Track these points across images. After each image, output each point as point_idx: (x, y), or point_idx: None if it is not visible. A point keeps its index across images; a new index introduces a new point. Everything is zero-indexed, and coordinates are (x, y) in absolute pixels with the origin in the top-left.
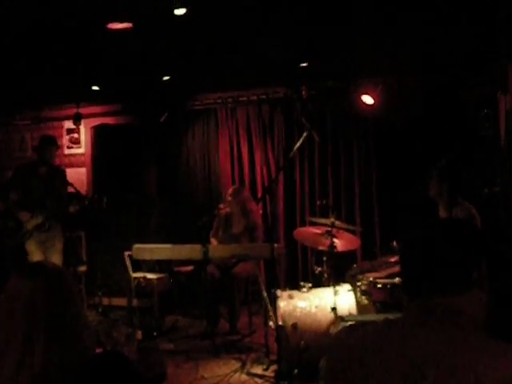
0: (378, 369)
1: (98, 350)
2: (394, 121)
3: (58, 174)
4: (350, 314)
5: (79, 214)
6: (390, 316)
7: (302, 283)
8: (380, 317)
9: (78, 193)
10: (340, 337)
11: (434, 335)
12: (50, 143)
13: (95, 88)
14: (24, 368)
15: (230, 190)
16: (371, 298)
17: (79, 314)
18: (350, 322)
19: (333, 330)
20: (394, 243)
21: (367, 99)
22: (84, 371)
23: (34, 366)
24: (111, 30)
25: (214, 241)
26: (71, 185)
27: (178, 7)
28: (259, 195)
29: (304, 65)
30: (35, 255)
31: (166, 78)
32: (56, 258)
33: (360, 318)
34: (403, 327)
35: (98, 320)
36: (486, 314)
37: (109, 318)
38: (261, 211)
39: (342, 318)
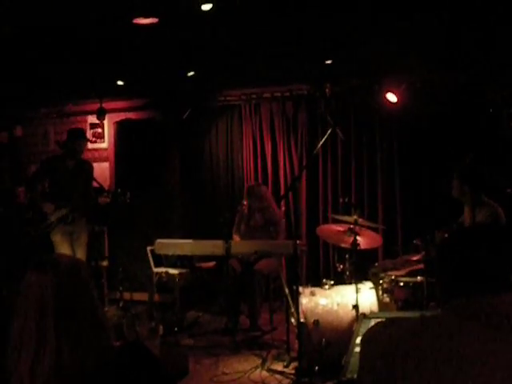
0: (415, 366)
1: (123, 343)
2: (418, 119)
3: (85, 168)
4: (372, 312)
5: (108, 206)
6: (424, 313)
7: (324, 280)
8: (402, 314)
9: (101, 187)
10: (375, 332)
11: (472, 334)
12: (80, 136)
13: (120, 83)
14: (38, 367)
15: (247, 188)
16: (393, 296)
17: (95, 310)
18: (373, 320)
19: (356, 328)
20: (416, 241)
21: (391, 97)
22: (105, 366)
23: (44, 365)
24: (137, 24)
25: (236, 237)
26: (94, 179)
27: (204, 2)
28: (282, 192)
29: (328, 62)
30: (61, 246)
31: (190, 73)
32: (81, 251)
33: (383, 315)
34: (441, 325)
35: (119, 315)
36: None
37: (130, 313)
38: (284, 208)
39: (364, 315)
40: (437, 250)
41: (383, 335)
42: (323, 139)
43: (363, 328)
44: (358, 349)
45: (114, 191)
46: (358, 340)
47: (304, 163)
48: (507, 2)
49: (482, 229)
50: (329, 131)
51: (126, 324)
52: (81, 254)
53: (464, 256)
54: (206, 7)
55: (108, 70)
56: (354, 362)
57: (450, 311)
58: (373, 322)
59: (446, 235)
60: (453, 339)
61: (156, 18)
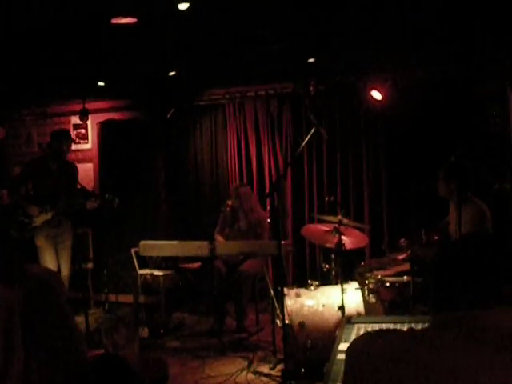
0: (402, 380)
1: (99, 352)
2: (403, 117)
3: (69, 170)
4: (358, 316)
5: (95, 210)
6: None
7: (309, 281)
8: (388, 319)
9: (83, 189)
10: (362, 344)
11: (460, 349)
12: (65, 137)
13: (101, 83)
14: (6, 379)
15: (230, 189)
16: (379, 296)
17: (65, 323)
18: (356, 325)
19: (338, 333)
20: (402, 241)
21: (376, 95)
22: (78, 377)
23: (12, 376)
24: (115, 24)
25: (219, 238)
26: (78, 182)
27: (181, 2)
28: (267, 191)
29: (312, 60)
30: (45, 250)
31: (171, 73)
32: (65, 254)
33: (367, 319)
34: (429, 339)
35: (104, 317)
36: None
37: (115, 315)
38: (269, 207)
39: (348, 320)
40: (430, 262)
41: (370, 348)
42: (306, 139)
43: (346, 334)
44: (340, 356)
45: (102, 196)
46: (341, 346)
47: (288, 162)
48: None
49: (474, 241)
50: (312, 131)
51: (105, 330)
52: (65, 257)
53: (455, 269)
54: (183, 7)
55: (90, 71)
56: (336, 369)
57: (441, 324)
58: (356, 328)
59: (439, 248)
60: (442, 354)
61: (135, 17)
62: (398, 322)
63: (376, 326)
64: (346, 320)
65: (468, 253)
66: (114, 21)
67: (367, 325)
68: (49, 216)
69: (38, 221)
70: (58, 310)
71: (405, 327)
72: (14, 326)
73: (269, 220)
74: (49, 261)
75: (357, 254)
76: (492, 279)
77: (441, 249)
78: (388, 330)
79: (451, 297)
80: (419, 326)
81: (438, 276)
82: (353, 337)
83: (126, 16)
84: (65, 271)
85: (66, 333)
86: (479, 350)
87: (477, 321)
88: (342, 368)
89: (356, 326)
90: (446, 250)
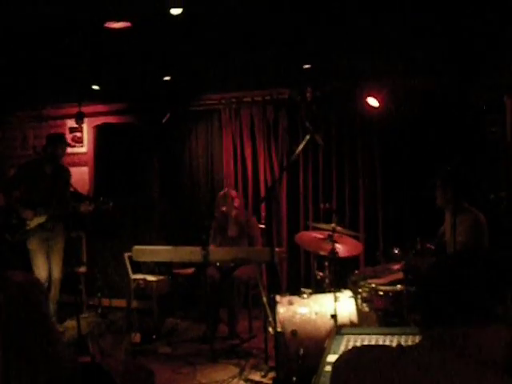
0: None
1: (86, 360)
2: (400, 124)
3: (63, 174)
4: (350, 325)
5: (89, 214)
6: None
7: (302, 289)
8: (378, 331)
9: (76, 192)
10: (347, 359)
11: (449, 368)
12: (61, 141)
13: (95, 87)
14: None
15: (219, 196)
16: (372, 305)
17: (47, 332)
18: (345, 336)
19: (327, 344)
20: (397, 250)
21: (372, 102)
22: None
23: None
24: (109, 29)
25: (212, 247)
26: (71, 185)
27: (174, 7)
28: (262, 197)
29: (308, 66)
30: (37, 253)
31: (166, 78)
32: (57, 258)
33: (357, 331)
34: (418, 356)
35: (97, 322)
36: (506, 351)
37: (107, 320)
38: (263, 213)
39: (338, 330)
40: (423, 278)
41: (357, 364)
42: (301, 146)
43: (335, 345)
44: (328, 367)
45: (96, 199)
46: (329, 358)
47: (283, 168)
48: (490, 6)
49: (468, 258)
50: (307, 137)
51: (91, 337)
52: (56, 261)
53: (448, 286)
54: (176, 12)
55: (86, 74)
56: (323, 382)
57: (431, 341)
58: (345, 339)
59: (432, 263)
60: (430, 373)
61: (129, 22)
62: (389, 334)
63: (366, 338)
64: (336, 331)
65: (462, 270)
66: (108, 25)
67: (357, 336)
68: (43, 219)
69: (32, 224)
70: (39, 319)
71: (395, 339)
72: None
73: (263, 226)
74: (40, 264)
75: (351, 262)
76: (485, 298)
77: (435, 263)
78: (375, 346)
79: (443, 313)
80: (410, 339)
81: (430, 292)
82: (342, 348)
83: (120, 20)
84: (56, 274)
85: (48, 343)
86: (468, 370)
87: (468, 339)
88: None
89: (346, 337)
90: (440, 266)
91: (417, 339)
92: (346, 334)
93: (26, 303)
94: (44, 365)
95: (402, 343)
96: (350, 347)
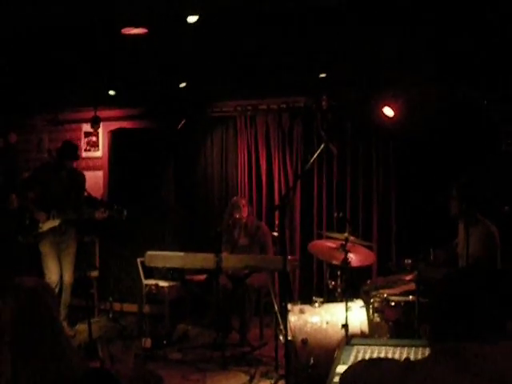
0: None
1: (95, 365)
2: (416, 134)
3: (77, 178)
4: (360, 335)
5: (105, 221)
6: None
7: (314, 298)
8: (388, 342)
9: (90, 197)
10: (355, 373)
11: (458, 382)
12: (73, 156)
13: (111, 93)
14: None
15: (231, 203)
16: (384, 315)
17: (57, 337)
18: (355, 346)
19: (337, 354)
20: (409, 260)
21: (388, 111)
22: None
23: None
24: (125, 34)
25: (225, 253)
26: (85, 190)
27: (190, 14)
28: (276, 205)
29: (323, 75)
30: (49, 256)
31: (182, 84)
32: (68, 261)
33: (367, 342)
34: (426, 371)
35: (108, 326)
36: None
37: (119, 324)
38: (277, 221)
39: (347, 341)
40: (434, 291)
41: (365, 377)
42: (315, 155)
43: (345, 355)
44: (337, 378)
45: (110, 207)
46: (339, 369)
47: (298, 177)
48: (506, 16)
49: (478, 273)
50: (322, 146)
51: (101, 342)
52: (68, 264)
53: (458, 301)
54: (192, 19)
55: (103, 79)
56: None
57: (438, 355)
58: (355, 350)
59: (444, 277)
60: None
61: (146, 28)
62: (399, 346)
63: (376, 349)
64: (346, 342)
65: (473, 286)
66: (125, 31)
67: (367, 347)
68: (56, 223)
69: (45, 227)
70: (50, 324)
71: (405, 351)
72: (1, 340)
73: (276, 234)
74: (52, 267)
75: (363, 271)
76: (496, 314)
77: (446, 276)
78: (383, 359)
79: (452, 328)
80: (420, 351)
81: (441, 305)
82: (351, 359)
83: (137, 26)
84: (67, 278)
85: (57, 348)
86: None
87: (477, 355)
88: None
89: (355, 347)
90: (452, 280)
91: (427, 351)
92: (356, 345)
93: (37, 309)
94: (53, 369)
95: (412, 356)
96: (359, 358)
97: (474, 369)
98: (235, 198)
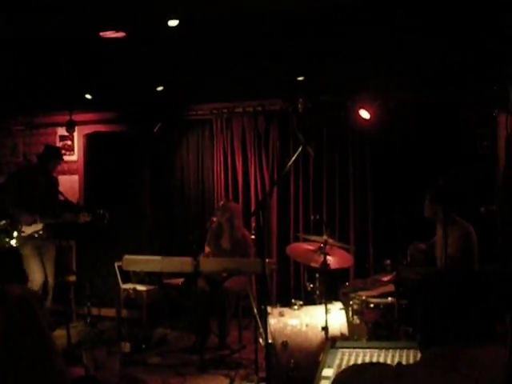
0: None
1: (78, 371)
2: (391, 137)
3: (53, 183)
4: (341, 337)
5: (85, 225)
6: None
7: (293, 300)
8: (372, 344)
9: (67, 201)
10: (347, 378)
11: None
12: (57, 157)
13: (88, 96)
14: None
15: (219, 206)
16: (363, 317)
17: (45, 343)
18: (340, 350)
19: (322, 358)
20: (387, 262)
21: (364, 114)
22: None
23: None
24: (104, 38)
25: (207, 249)
26: (61, 194)
27: (171, 18)
28: (253, 208)
29: (300, 78)
30: (32, 259)
31: (159, 88)
32: (50, 265)
33: (352, 344)
34: (417, 377)
35: (85, 331)
36: (505, 370)
37: (97, 329)
38: (254, 225)
39: (332, 344)
40: (413, 294)
41: (357, 383)
42: (293, 157)
43: (330, 358)
44: (323, 382)
45: (94, 211)
46: (325, 372)
47: (275, 179)
48: (482, 20)
49: (462, 277)
50: (299, 149)
51: (85, 348)
52: (50, 268)
53: (444, 306)
54: (173, 23)
55: (78, 83)
56: None
57: (429, 360)
58: (340, 353)
59: (424, 280)
60: None
61: (124, 32)
62: (384, 348)
63: (361, 352)
64: (330, 344)
65: (457, 290)
66: (103, 34)
67: (352, 350)
68: (39, 227)
69: (28, 231)
70: (38, 332)
71: (390, 354)
72: None
73: (253, 237)
74: (36, 269)
75: (340, 273)
76: (483, 317)
77: (428, 278)
78: (376, 364)
79: (440, 334)
80: (405, 353)
81: (426, 311)
82: (337, 362)
83: (115, 30)
84: (51, 280)
85: (45, 355)
86: None
87: (467, 359)
88: None
89: (340, 351)
90: (435, 285)
91: (411, 353)
92: (341, 348)
93: (25, 317)
94: (42, 376)
95: (396, 358)
96: (344, 361)
97: (463, 372)
98: (224, 201)
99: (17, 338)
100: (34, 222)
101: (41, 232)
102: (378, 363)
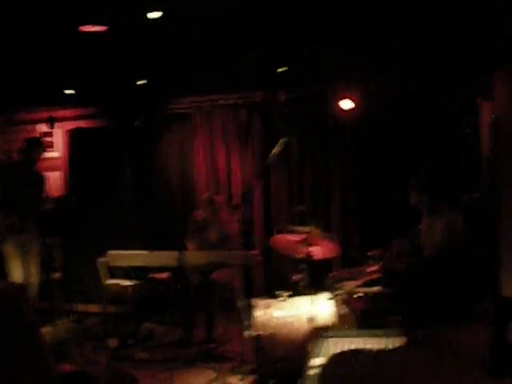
0: None
1: (68, 368)
2: (374, 126)
3: (38, 180)
4: (329, 327)
5: (52, 212)
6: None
7: (279, 292)
8: (361, 333)
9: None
10: (333, 366)
11: (432, 369)
12: (38, 145)
13: (68, 92)
14: None
15: (203, 198)
16: (350, 307)
17: (32, 339)
18: (329, 339)
19: (310, 348)
20: (373, 252)
21: (346, 104)
22: None
23: None
24: (85, 32)
25: (190, 246)
26: (45, 191)
27: (152, 10)
28: (235, 201)
29: (282, 69)
30: (13, 257)
31: (141, 81)
32: (34, 263)
33: (340, 334)
34: (400, 359)
35: (72, 327)
36: (488, 349)
37: (83, 325)
38: (237, 217)
39: (320, 334)
40: (400, 281)
41: (343, 370)
42: (277, 149)
43: (318, 348)
44: (312, 371)
45: (57, 199)
46: (313, 362)
47: (258, 172)
48: (461, 12)
49: (445, 259)
50: (281, 140)
51: (73, 343)
52: (33, 265)
53: (427, 288)
54: (154, 15)
55: (57, 79)
56: None
57: (413, 343)
58: (328, 342)
59: (409, 266)
60: (414, 375)
61: (104, 25)
62: (372, 336)
63: (348, 341)
64: (319, 334)
65: (439, 272)
66: (84, 28)
67: (340, 339)
68: (11, 221)
69: (2, 226)
70: (25, 327)
71: (378, 341)
72: None
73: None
74: (15, 268)
75: (324, 264)
76: (464, 297)
77: (412, 265)
78: (361, 351)
79: (424, 315)
80: (393, 341)
81: (408, 294)
82: (325, 351)
83: (93, 23)
84: (33, 279)
85: (34, 350)
86: (452, 370)
87: (450, 340)
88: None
89: (328, 340)
90: (417, 268)
91: (400, 340)
92: (329, 337)
93: (10, 311)
94: (31, 371)
95: (386, 345)
96: (333, 350)
97: (447, 353)
98: (208, 194)
99: (4, 333)
100: (6, 218)
101: (12, 226)
102: (362, 349)
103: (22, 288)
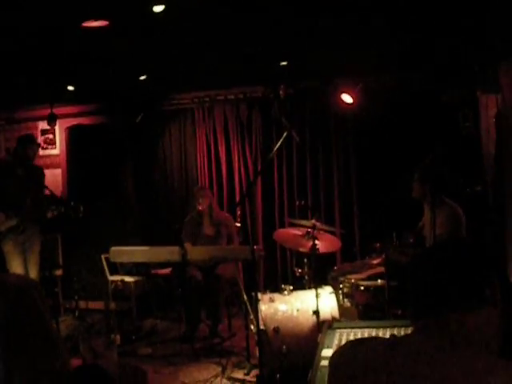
0: None
1: (78, 363)
2: (374, 120)
3: (35, 175)
4: (337, 320)
5: (56, 218)
6: (393, 331)
7: (283, 286)
8: (369, 324)
9: (53, 195)
10: (344, 354)
11: (444, 355)
12: (31, 142)
13: (70, 88)
14: None
15: (195, 191)
16: (354, 300)
17: (48, 333)
18: (338, 330)
19: (320, 339)
20: (376, 245)
21: (346, 98)
22: None
23: None
24: (86, 28)
25: (188, 245)
26: (46, 187)
27: (156, 4)
28: (237, 196)
29: (282, 64)
30: (13, 255)
31: (142, 77)
32: (34, 260)
33: (348, 325)
34: (412, 346)
35: (75, 324)
36: (498, 333)
37: (86, 322)
38: (239, 212)
39: (329, 325)
40: (406, 267)
41: (352, 358)
42: (279, 142)
43: (328, 339)
44: (323, 362)
45: (67, 204)
46: (324, 352)
47: (259, 166)
48: (459, 7)
49: (451, 245)
50: (284, 134)
51: (82, 338)
52: (33, 264)
53: (434, 274)
54: (158, 8)
55: (58, 76)
56: (320, 376)
57: (421, 331)
58: (338, 333)
59: (413, 256)
60: (426, 361)
61: (106, 21)
62: (379, 327)
63: (358, 332)
64: (328, 326)
65: (446, 257)
66: (86, 24)
67: (349, 330)
68: (13, 223)
69: (3, 227)
70: (40, 320)
71: (387, 332)
72: None
73: (238, 224)
74: (16, 266)
75: (327, 258)
76: (472, 282)
77: (417, 253)
78: (369, 338)
79: (431, 302)
80: (402, 331)
81: (416, 282)
82: (336, 342)
83: (94, 19)
84: (34, 276)
85: (49, 343)
86: (464, 355)
87: (460, 324)
88: (326, 375)
89: (338, 331)
90: (423, 255)
91: (409, 331)
92: (338, 329)
93: (26, 305)
94: (46, 365)
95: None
96: (342, 341)
97: (457, 339)
98: (195, 188)
99: (19, 327)
100: (7, 218)
101: (17, 227)
102: (371, 337)
103: (36, 282)
